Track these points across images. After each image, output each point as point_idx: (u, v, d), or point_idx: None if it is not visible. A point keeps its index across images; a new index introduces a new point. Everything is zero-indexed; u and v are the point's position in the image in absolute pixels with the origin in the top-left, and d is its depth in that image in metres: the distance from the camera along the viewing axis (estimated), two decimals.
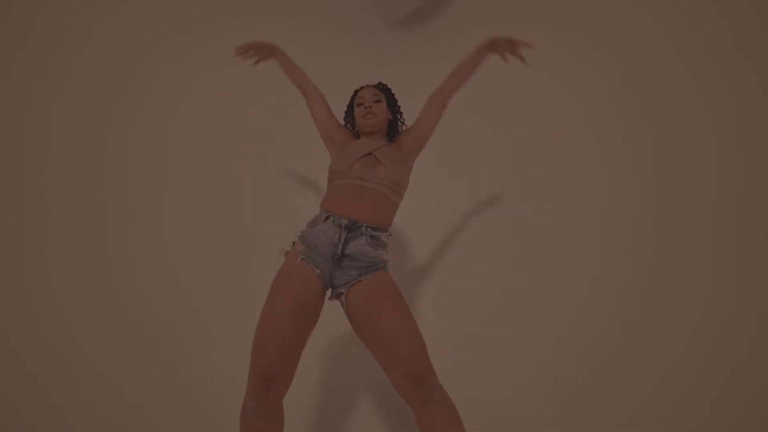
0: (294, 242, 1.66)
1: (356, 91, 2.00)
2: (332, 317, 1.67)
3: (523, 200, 2.49)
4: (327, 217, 1.64)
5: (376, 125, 1.87)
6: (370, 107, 1.85)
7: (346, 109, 2.03)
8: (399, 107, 2.03)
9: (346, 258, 1.60)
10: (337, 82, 2.74)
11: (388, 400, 2.00)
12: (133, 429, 1.89)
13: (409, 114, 2.02)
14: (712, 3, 2.41)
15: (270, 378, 1.40)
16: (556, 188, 2.46)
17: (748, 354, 1.92)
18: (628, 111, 2.47)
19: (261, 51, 2.01)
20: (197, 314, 2.20)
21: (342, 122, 2.02)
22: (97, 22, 2.56)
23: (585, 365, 2.04)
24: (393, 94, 2.01)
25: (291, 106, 2.71)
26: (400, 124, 2.03)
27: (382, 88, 1.98)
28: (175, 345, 2.11)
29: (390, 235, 1.72)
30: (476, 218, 2.51)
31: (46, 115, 2.42)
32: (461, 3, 3.01)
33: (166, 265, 2.31)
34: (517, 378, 2.06)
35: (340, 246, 1.59)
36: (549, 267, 2.30)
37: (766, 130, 2.23)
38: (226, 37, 2.74)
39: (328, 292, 1.63)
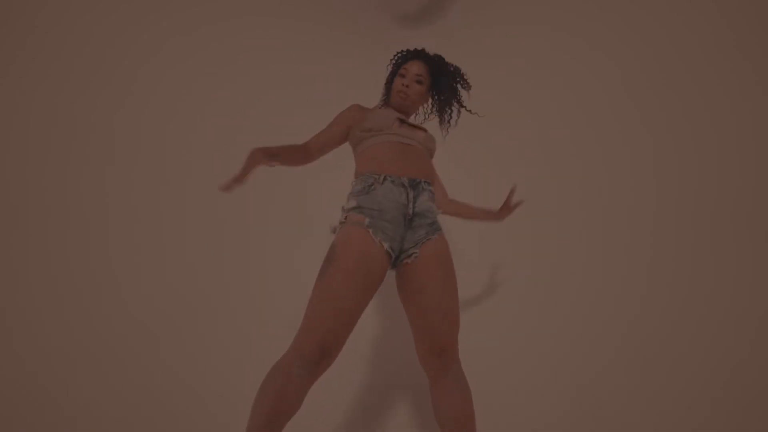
0: (346, 216, 1.54)
1: (406, 54, 1.82)
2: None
3: (521, 199, 2.48)
4: (384, 179, 1.56)
5: (405, 108, 1.78)
6: (407, 86, 1.74)
7: (390, 67, 1.86)
8: (454, 91, 1.82)
9: (417, 216, 1.55)
10: (338, 81, 2.73)
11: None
12: (132, 429, 1.88)
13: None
14: (712, 3, 2.41)
15: (327, 349, 1.37)
16: (555, 188, 2.46)
17: (748, 354, 1.92)
18: (628, 111, 2.47)
19: (244, 174, 1.47)
20: (196, 314, 2.19)
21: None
22: (97, 22, 2.56)
23: (585, 365, 2.04)
24: (442, 76, 1.79)
25: (291, 106, 2.72)
26: (449, 112, 1.85)
27: (432, 68, 1.78)
28: (174, 345, 2.11)
29: None
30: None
31: (46, 115, 2.42)
32: (462, 2, 3.01)
33: (166, 265, 2.31)
34: (518, 379, 2.06)
35: (411, 205, 1.54)
36: (551, 269, 2.30)
37: (766, 130, 2.23)
38: (226, 37, 2.75)
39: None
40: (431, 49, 1.86)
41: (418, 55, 1.81)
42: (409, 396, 2.02)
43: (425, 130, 1.76)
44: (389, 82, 1.86)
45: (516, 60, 2.76)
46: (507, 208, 1.89)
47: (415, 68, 1.77)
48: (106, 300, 2.17)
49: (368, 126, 1.67)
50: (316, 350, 1.35)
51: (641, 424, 1.86)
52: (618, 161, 2.41)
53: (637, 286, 2.18)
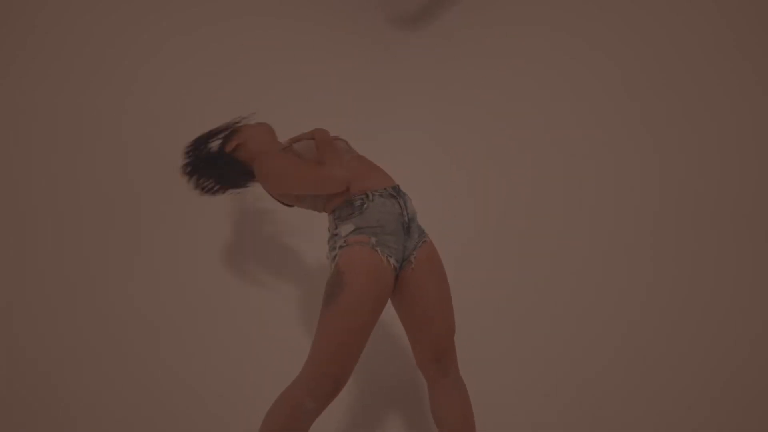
0: (346, 240, 1.46)
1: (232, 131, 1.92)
2: None
3: (522, 199, 2.49)
4: (372, 195, 1.51)
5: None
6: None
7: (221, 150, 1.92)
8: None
9: (411, 222, 1.56)
10: (338, 81, 2.73)
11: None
12: (132, 429, 1.89)
13: (407, 112, 1.98)
14: (712, 3, 2.41)
15: (342, 381, 1.38)
16: (555, 188, 2.46)
17: (748, 354, 1.93)
18: (628, 111, 2.47)
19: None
20: (196, 314, 2.19)
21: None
22: (97, 22, 2.56)
23: (584, 365, 2.04)
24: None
25: (292, 107, 2.71)
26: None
27: None
28: (174, 344, 2.11)
29: None
30: (477, 213, 2.51)
31: (45, 116, 2.42)
32: (462, 2, 3.01)
33: (166, 265, 2.30)
34: (517, 378, 2.06)
35: (405, 213, 1.54)
36: (550, 268, 2.30)
37: (766, 130, 2.23)
38: (226, 37, 2.75)
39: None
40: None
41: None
42: (410, 396, 2.02)
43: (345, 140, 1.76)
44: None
45: (516, 60, 2.76)
46: None
47: None
48: (106, 300, 2.17)
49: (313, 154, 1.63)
50: (331, 386, 1.35)
51: (641, 424, 1.86)
52: (618, 161, 2.41)
53: (637, 286, 2.18)
